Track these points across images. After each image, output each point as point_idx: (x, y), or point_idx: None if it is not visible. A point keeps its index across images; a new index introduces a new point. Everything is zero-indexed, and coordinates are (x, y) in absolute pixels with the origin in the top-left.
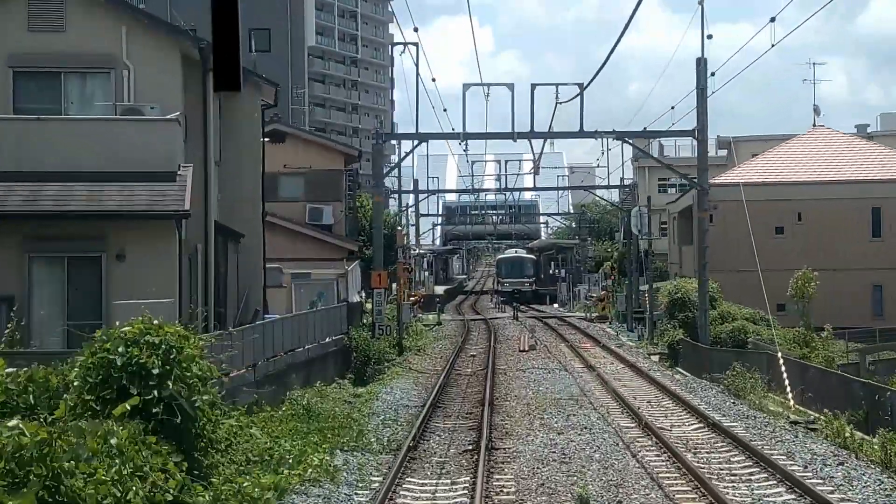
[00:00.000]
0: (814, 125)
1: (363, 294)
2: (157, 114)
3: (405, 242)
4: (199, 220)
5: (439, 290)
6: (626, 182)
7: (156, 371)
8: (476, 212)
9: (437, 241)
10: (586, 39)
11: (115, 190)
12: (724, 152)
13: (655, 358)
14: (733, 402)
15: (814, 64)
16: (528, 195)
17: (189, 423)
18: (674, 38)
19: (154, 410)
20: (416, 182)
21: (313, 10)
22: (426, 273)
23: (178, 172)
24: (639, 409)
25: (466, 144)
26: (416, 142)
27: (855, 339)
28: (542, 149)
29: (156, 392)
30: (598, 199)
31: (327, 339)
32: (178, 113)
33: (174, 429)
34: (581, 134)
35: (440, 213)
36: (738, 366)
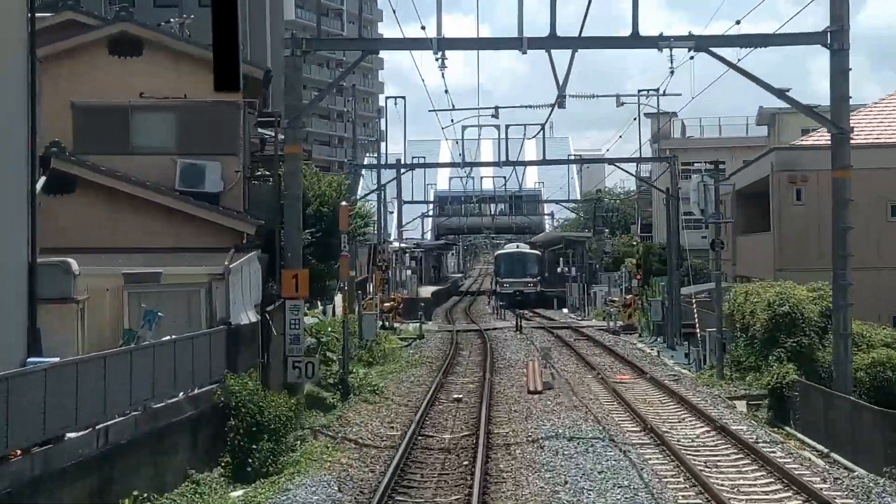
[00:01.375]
0: None
1: (309, 308)
2: None
3: (350, 228)
4: None
5: (427, 291)
6: (643, 171)
7: None
8: (472, 203)
9: (429, 235)
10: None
11: None
12: (763, 130)
13: (741, 406)
14: None
15: None
16: (530, 184)
17: None
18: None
19: None
20: (398, 161)
21: None
22: (409, 272)
23: None
24: None
25: (443, 56)
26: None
27: None
28: (570, 66)
29: None
30: (626, 173)
31: (180, 396)
32: None
33: None
34: (634, 41)
35: (431, 200)
36: None
